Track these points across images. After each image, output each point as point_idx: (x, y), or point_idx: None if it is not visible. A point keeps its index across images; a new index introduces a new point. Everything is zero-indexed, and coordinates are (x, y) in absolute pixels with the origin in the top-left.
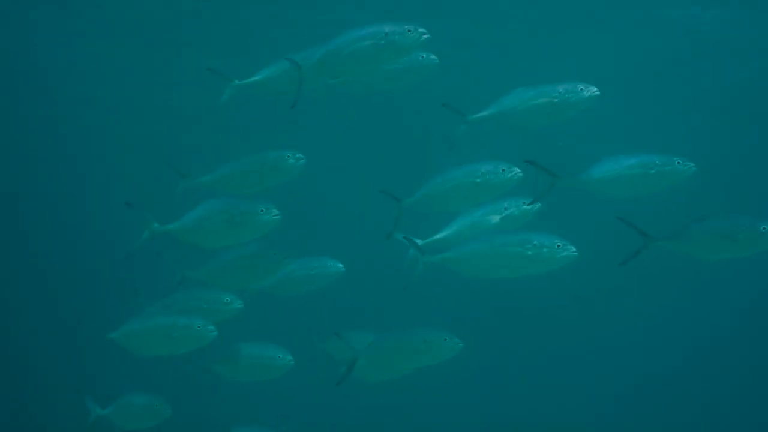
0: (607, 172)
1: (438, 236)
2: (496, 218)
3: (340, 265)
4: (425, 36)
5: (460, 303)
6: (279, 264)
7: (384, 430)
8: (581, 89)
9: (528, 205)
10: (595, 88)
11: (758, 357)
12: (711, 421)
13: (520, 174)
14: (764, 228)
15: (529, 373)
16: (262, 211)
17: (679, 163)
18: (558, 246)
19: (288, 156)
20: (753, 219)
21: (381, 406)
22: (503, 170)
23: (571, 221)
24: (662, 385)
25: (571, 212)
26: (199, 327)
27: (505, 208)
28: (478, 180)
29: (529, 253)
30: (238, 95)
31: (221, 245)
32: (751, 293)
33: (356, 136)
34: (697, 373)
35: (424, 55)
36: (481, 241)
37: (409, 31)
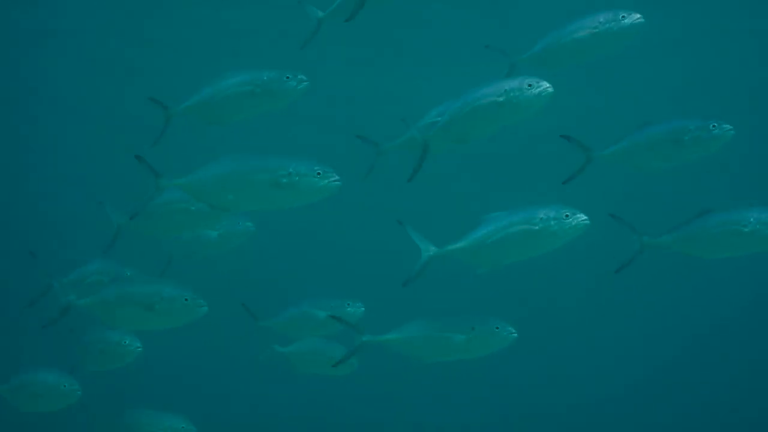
0: (637, 143)
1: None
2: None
3: (250, 224)
4: None
5: (458, 299)
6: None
7: (383, 428)
8: (623, 17)
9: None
10: (638, 15)
11: (759, 350)
12: (712, 418)
13: (550, 90)
14: None
15: (527, 368)
16: (318, 174)
17: (714, 126)
18: (566, 216)
19: (287, 77)
20: (761, 210)
21: (380, 404)
22: (530, 85)
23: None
24: (664, 379)
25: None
26: (187, 300)
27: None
28: (501, 99)
29: (537, 228)
30: None
31: (253, 210)
32: (752, 285)
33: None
34: (697, 367)
35: None
36: (484, 228)
37: None
